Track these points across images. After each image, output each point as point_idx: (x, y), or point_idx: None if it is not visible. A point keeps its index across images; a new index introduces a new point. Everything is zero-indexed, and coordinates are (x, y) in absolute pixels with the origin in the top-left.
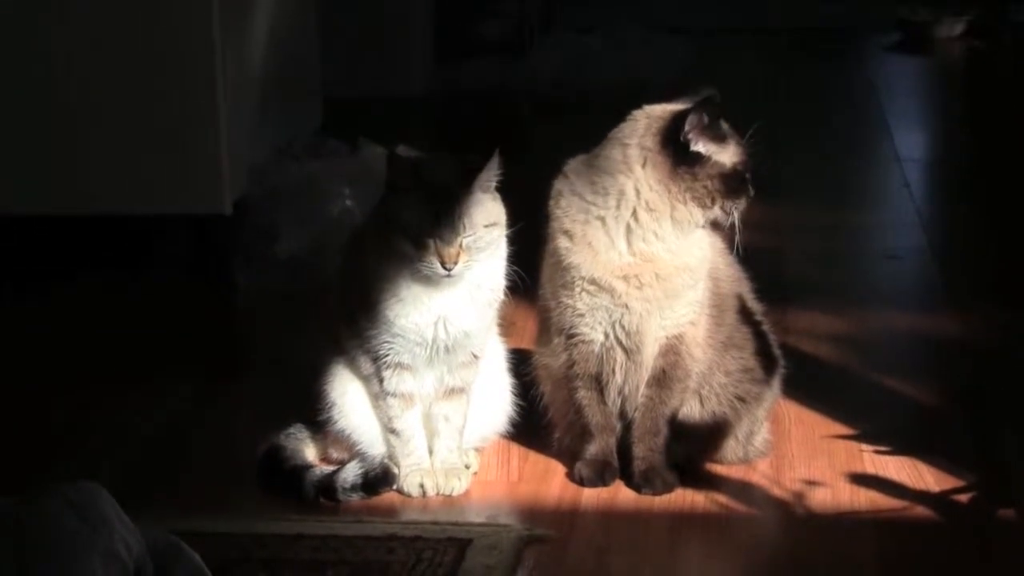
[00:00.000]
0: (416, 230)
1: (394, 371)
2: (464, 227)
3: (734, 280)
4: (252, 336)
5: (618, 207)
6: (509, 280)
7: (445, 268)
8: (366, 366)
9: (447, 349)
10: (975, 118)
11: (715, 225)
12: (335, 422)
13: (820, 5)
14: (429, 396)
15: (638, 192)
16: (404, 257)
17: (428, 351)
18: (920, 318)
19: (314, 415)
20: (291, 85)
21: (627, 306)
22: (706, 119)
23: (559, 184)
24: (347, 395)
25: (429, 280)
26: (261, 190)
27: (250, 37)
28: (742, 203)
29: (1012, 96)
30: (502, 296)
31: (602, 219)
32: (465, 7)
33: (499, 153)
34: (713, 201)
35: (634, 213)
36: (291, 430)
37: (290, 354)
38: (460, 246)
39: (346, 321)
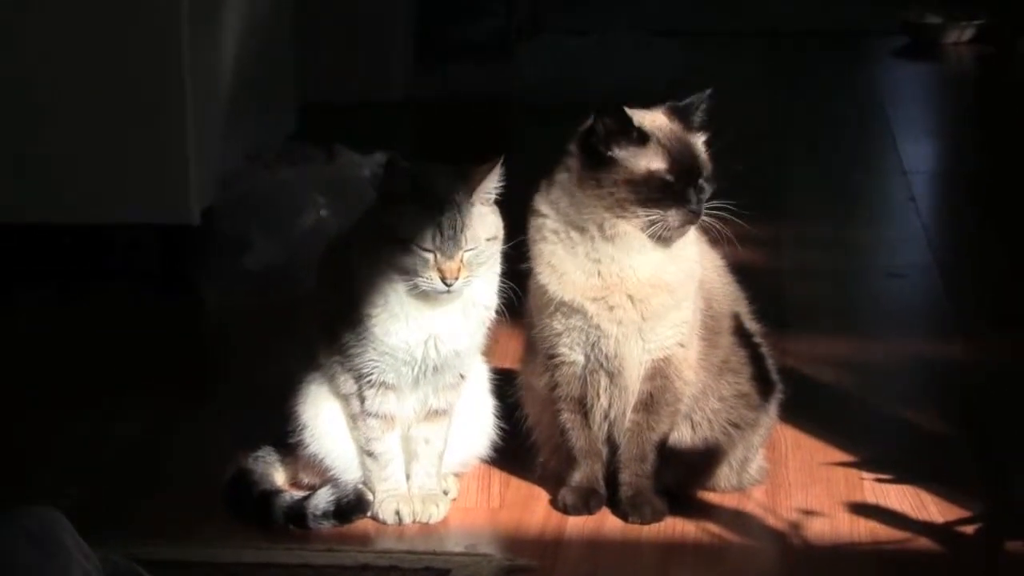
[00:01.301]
0: (415, 243)
1: (378, 391)
2: (466, 240)
3: (730, 299)
4: (221, 353)
5: (571, 225)
6: (503, 297)
7: (446, 284)
8: (347, 385)
9: (435, 369)
10: (985, 128)
11: (713, 240)
12: (307, 445)
13: (822, 8)
14: (409, 418)
15: (578, 207)
16: (399, 271)
17: (415, 371)
18: (925, 340)
19: (285, 438)
20: (264, 89)
21: (599, 327)
22: (616, 121)
23: (534, 200)
24: (320, 417)
25: (425, 296)
26: (231, 199)
27: (221, 38)
28: (674, 214)
29: None
30: (494, 315)
31: (563, 240)
32: (448, 8)
33: (502, 163)
34: (625, 210)
35: (585, 231)
36: (260, 453)
37: (260, 373)
38: (461, 261)
39: (326, 337)
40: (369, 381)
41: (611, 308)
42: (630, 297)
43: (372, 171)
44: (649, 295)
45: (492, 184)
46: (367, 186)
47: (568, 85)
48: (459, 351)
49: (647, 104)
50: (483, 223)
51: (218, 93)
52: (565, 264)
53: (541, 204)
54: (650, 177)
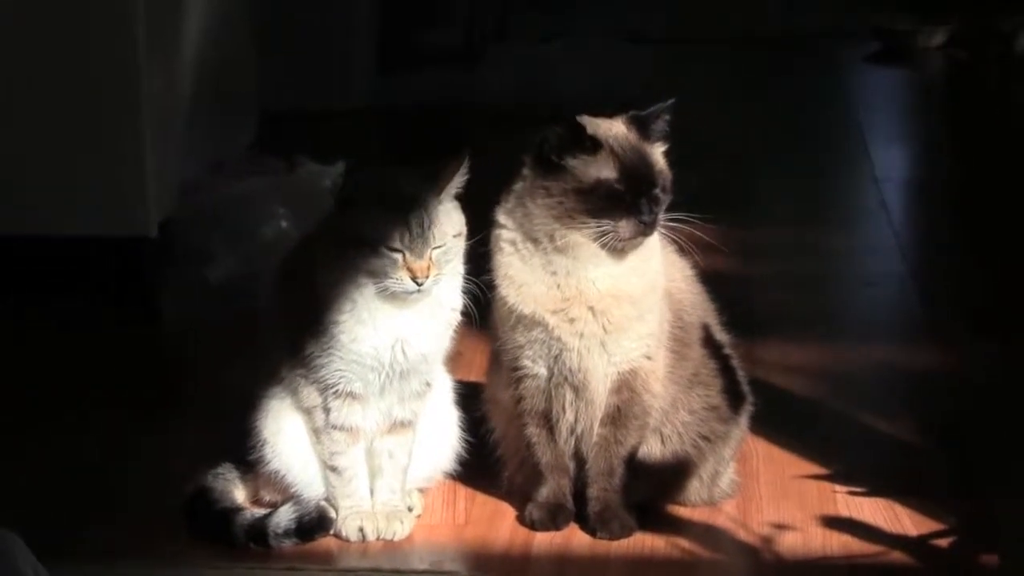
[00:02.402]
0: (382, 244)
1: (344, 401)
2: (434, 237)
3: (700, 310)
4: (179, 369)
5: (527, 236)
6: (468, 298)
7: (416, 283)
8: (311, 397)
9: (402, 375)
10: (958, 134)
11: (682, 250)
12: (268, 462)
13: (793, 13)
14: (373, 431)
15: (530, 217)
16: (367, 274)
17: (382, 377)
18: (898, 349)
19: (245, 454)
20: (223, 97)
21: (560, 340)
22: (568, 130)
23: (495, 211)
24: (282, 433)
25: (394, 298)
26: (190, 210)
27: (178, 44)
28: (624, 225)
29: (998, 111)
30: (460, 316)
31: (520, 251)
32: (411, 13)
33: (466, 160)
34: (574, 219)
35: (539, 242)
36: (220, 470)
37: (220, 388)
38: (430, 259)
39: (288, 349)
40: (335, 391)
41: (572, 320)
42: (591, 309)
43: (333, 181)
44: (610, 307)
45: (457, 181)
46: (329, 197)
47: (534, 92)
48: (426, 354)
49: (612, 113)
50: (449, 219)
51: (176, 100)
52: (523, 276)
53: (500, 214)
54: (598, 186)
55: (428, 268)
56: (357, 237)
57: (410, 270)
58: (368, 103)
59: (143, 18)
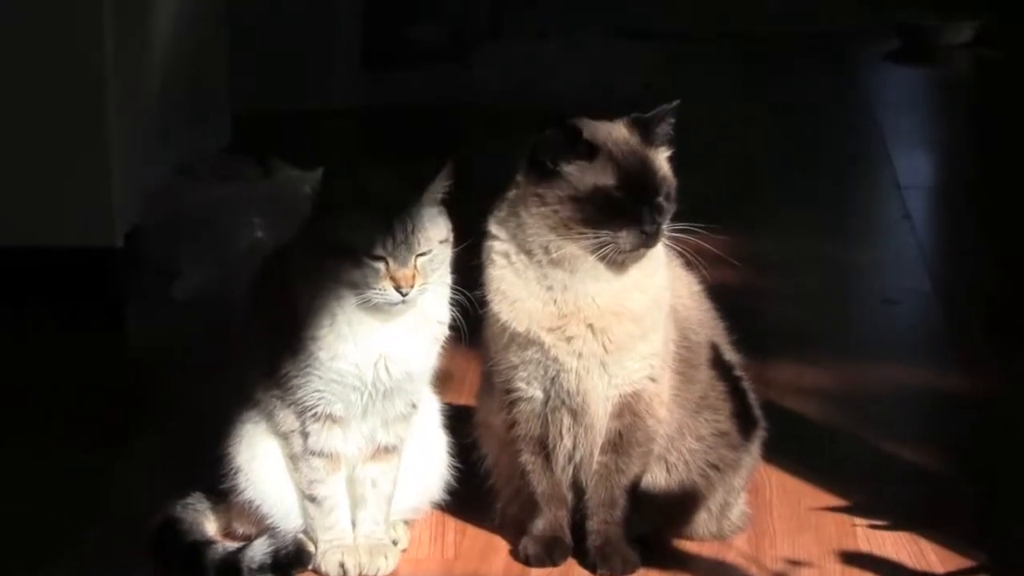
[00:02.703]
0: (363, 251)
1: (323, 425)
2: (419, 243)
3: (708, 328)
4: (146, 389)
5: (520, 248)
6: (456, 310)
7: (400, 293)
8: (287, 421)
9: (386, 395)
10: (986, 138)
11: (689, 263)
12: (241, 491)
13: (807, 8)
14: (355, 457)
15: (523, 227)
16: (347, 285)
17: (364, 398)
18: (922, 371)
19: (217, 482)
20: (195, 97)
21: (557, 360)
22: (564, 133)
23: (487, 221)
24: (257, 460)
25: (377, 310)
26: (158, 219)
27: (147, 43)
28: (625, 235)
29: None
30: (447, 331)
31: (512, 264)
32: (398, 7)
33: (452, 163)
34: (569, 229)
35: (532, 254)
36: (190, 500)
37: (190, 411)
38: (415, 267)
39: (263, 369)
40: (314, 414)
41: (569, 339)
42: (590, 327)
43: (313, 187)
44: (611, 325)
45: (442, 184)
46: (308, 204)
47: (528, 92)
48: (412, 372)
49: (611, 115)
50: (434, 225)
51: (144, 102)
52: (516, 291)
53: (492, 224)
54: (596, 193)
55: (413, 277)
56: (336, 245)
57: (393, 279)
58: (351, 103)
59: (109, 15)
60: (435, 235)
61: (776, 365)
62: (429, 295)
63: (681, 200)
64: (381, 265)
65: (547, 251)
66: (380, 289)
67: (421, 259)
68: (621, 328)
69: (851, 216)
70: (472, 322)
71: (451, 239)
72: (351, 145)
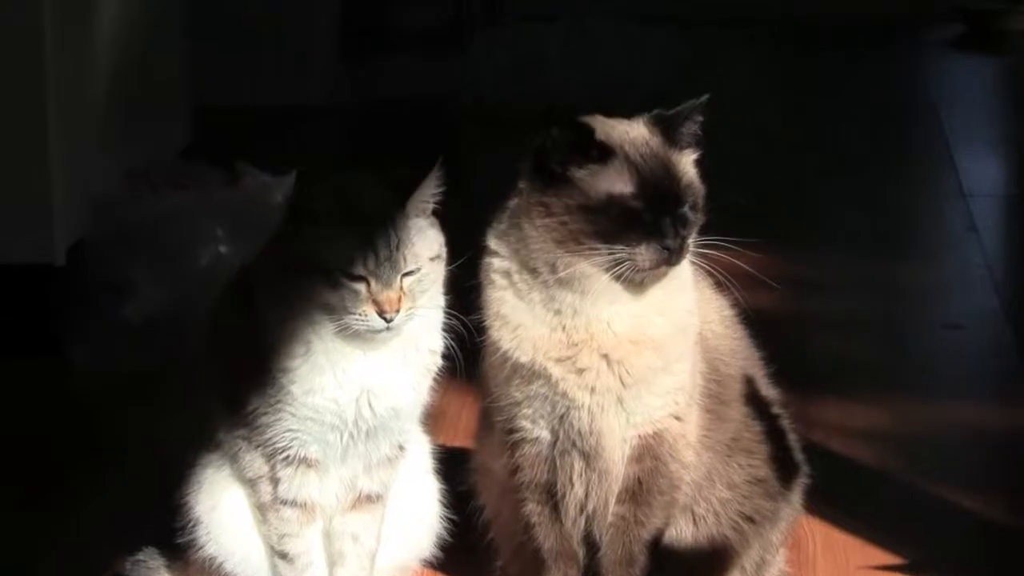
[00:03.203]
0: (341, 270)
1: (296, 469)
2: (405, 261)
3: (742, 359)
4: (91, 426)
5: (523, 266)
6: (449, 337)
7: (384, 319)
8: (255, 465)
9: (369, 435)
10: None
11: (719, 284)
12: (201, 546)
13: None
14: (333, 507)
15: (526, 242)
16: (322, 308)
17: (344, 439)
18: (989, 407)
19: (173, 536)
20: (149, 94)
21: (566, 395)
22: (573, 133)
23: (488, 237)
24: (219, 509)
25: (358, 339)
26: (106, 232)
27: (93, 33)
28: (643, 251)
29: None
30: (440, 362)
31: (514, 284)
32: None
33: (440, 165)
34: (579, 244)
35: (537, 272)
36: (141, 556)
37: (142, 452)
38: (401, 288)
39: (227, 405)
40: (285, 457)
41: (580, 371)
42: (604, 357)
43: (285, 195)
44: (629, 355)
45: (429, 192)
46: (278, 214)
47: (533, 85)
48: (399, 409)
49: (629, 112)
50: (423, 239)
51: (89, 99)
52: (519, 315)
53: (491, 238)
54: (611, 203)
55: (399, 300)
56: (310, 262)
57: (376, 303)
58: (330, 99)
59: (51, 4)
60: (424, 251)
61: (820, 402)
62: (418, 321)
63: (710, 211)
64: (361, 286)
65: (554, 269)
66: (360, 314)
67: (408, 279)
68: (640, 359)
69: (908, 228)
70: (469, 351)
71: (443, 255)
72: (329, 146)
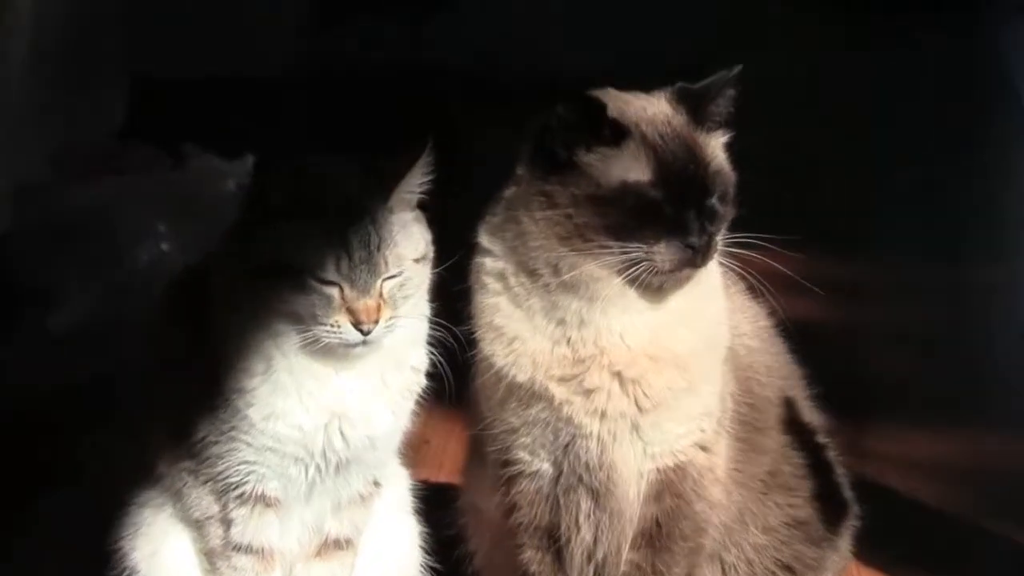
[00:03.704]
0: (310, 274)
1: (252, 509)
2: (386, 263)
3: (780, 379)
4: (9, 455)
5: (520, 267)
6: (435, 352)
7: (361, 330)
8: (202, 504)
9: (339, 469)
10: None
11: (753, 289)
12: None
13: None
14: (294, 553)
15: (524, 238)
16: (287, 318)
17: (310, 473)
18: None
19: None
20: (77, 64)
21: (572, 421)
22: (581, 110)
23: (479, 233)
24: (159, 556)
25: (329, 354)
26: (28, 226)
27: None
28: (663, 249)
29: None
30: (424, 382)
31: (510, 289)
32: None
33: (430, 149)
34: (587, 241)
35: (536, 274)
36: None
37: (69, 487)
38: (381, 295)
39: (168, 430)
40: (240, 495)
41: (588, 393)
42: (617, 376)
43: (240, 183)
44: (646, 373)
45: (416, 181)
46: (231, 204)
47: (528, 53)
48: (376, 438)
49: (646, 85)
50: (407, 238)
51: (7, 73)
52: (515, 325)
53: (483, 235)
54: (625, 192)
55: (377, 309)
56: (272, 263)
57: (351, 312)
58: (289, 71)
59: None
60: (409, 251)
61: (874, 429)
62: (400, 333)
63: (743, 202)
64: (334, 292)
65: (557, 271)
66: (332, 325)
67: (388, 284)
68: (660, 377)
69: (979, 224)
70: (459, 369)
71: (430, 256)
72: (293, 126)
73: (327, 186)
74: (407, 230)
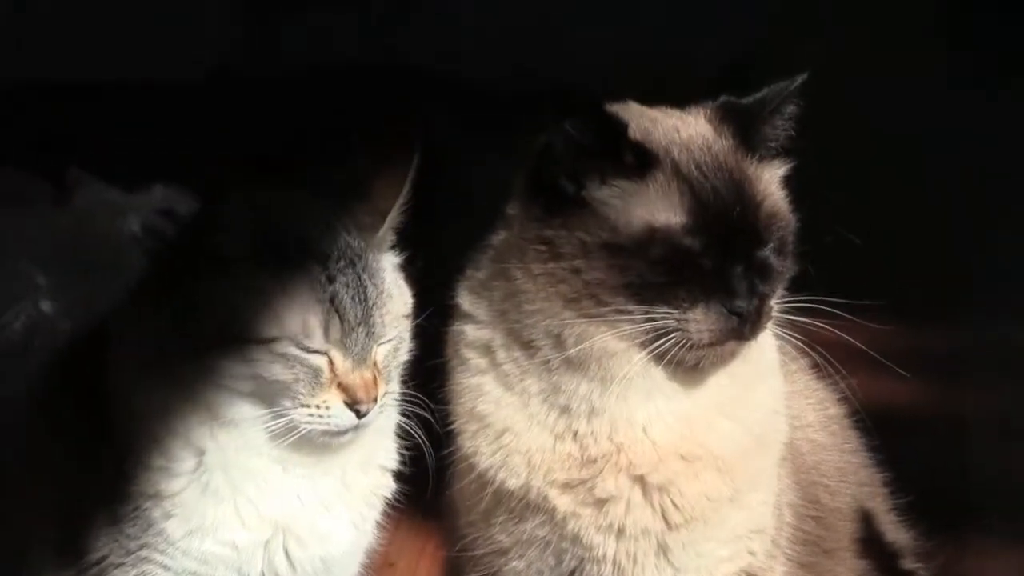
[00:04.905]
0: (293, 342)
1: None
2: (383, 324)
3: (855, 484)
4: None
5: (513, 336)
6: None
7: (358, 411)
8: None
9: None
10: None
11: (817, 365)
12: None
13: None
14: None
15: (517, 299)
16: (243, 402)
17: None
18: None
19: None
20: None
21: (579, 540)
22: (593, 130)
23: (458, 292)
24: None
25: (300, 447)
26: None
27: None
28: (701, 316)
29: None
30: (391, 484)
31: (498, 366)
32: None
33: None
34: (601, 304)
35: (533, 347)
36: None
37: None
38: (376, 364)
39: (54, 547)
40: None
41: (601, 503)
42: (639, 481)
43: (145, 221)
44: (677, 477)
45: (398, 211)
46: (134, 249)
47: (521, 51)
48: (331, 560)
49: (679, 100)
50: (397, 287)
51: None
52: (504, 413)
53: (463, 294)
54: (652, 240)
55: (375, 383)
56: (226, 331)
57: (345, 389)
58: (216, 70)
59: None
60: (400, 306)
61: (981, 548)
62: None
63: (805, 255)
64: (323, 363)
65: (560, 343)
66: (319, 407)
67: (383, 350)
68: (695, 484)
69: None
70: (439, 463)
71: (410, 312)
72: (218, 140)
73: (301, 223)
74: (394, 277)
